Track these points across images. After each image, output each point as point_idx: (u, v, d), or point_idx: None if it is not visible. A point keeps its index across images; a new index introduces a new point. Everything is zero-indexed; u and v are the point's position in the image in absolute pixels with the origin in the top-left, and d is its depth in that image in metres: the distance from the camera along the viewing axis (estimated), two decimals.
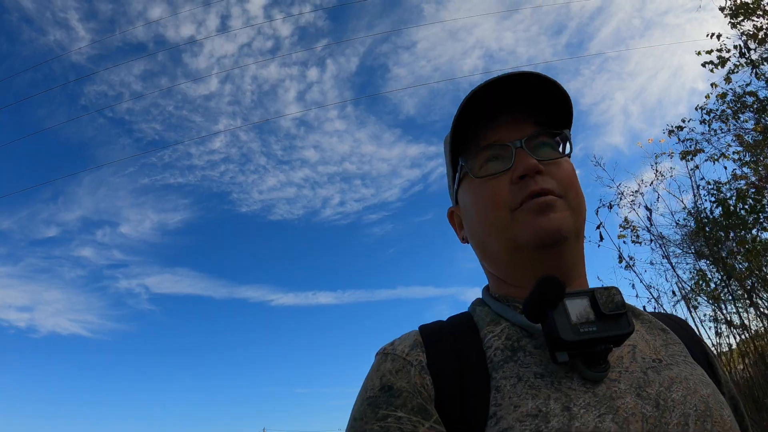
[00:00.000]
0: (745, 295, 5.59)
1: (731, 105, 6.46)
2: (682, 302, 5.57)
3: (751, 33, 6.47)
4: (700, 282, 5.77)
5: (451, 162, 0.74)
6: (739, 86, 6.47)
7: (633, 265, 5.81)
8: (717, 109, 6.45)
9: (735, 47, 6.50)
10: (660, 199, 5.87)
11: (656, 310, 0.74)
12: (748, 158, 6.44)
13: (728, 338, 5.72)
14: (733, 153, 6.43)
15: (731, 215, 5.36)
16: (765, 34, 6.17)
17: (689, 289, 5.83)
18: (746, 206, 5.43)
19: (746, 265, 5.53)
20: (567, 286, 0.57)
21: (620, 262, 5.53)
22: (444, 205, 0.85)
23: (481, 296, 0.73)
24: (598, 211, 5.78)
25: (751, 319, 5.74)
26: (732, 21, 6.50)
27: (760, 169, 6.29)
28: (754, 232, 5.45)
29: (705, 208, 5.83)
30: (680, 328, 0.74)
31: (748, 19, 6.40)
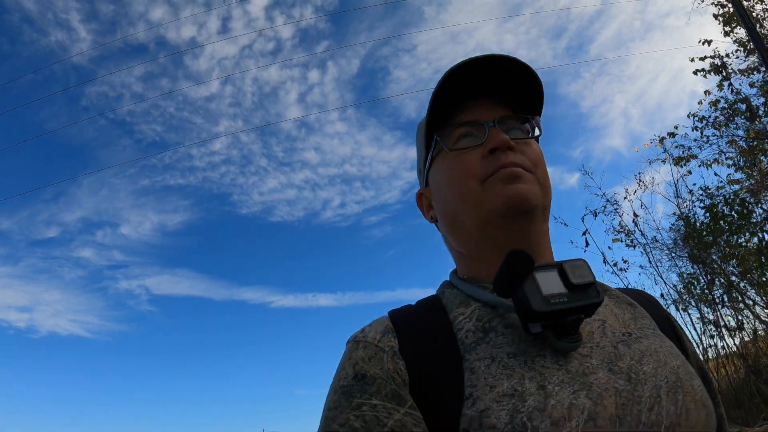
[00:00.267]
0: (724, 293, 5.74)
1: (724, 111, 6.58)
2: (672, 306, 5.71)
3: (744, 41, 6.60)
4: (689, 286, 5.90)
5: (425, 141, 0.75)
6: (732, 93, 6.59)
7: (627, 269, 5.97)
8: (709, 116, 6.57)
9: (727, 55, 6.62)
10: (643, 206, 6.09)
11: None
12: (742, 163, 6.55)
13: (714, 339, 5.85)
14: (727, 159, 6.55)
15: (718, 221, 5.50)
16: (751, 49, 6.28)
17: (677, 294, 5.97)
18: (733, 212, 5.56)
19: (737, 269, 5.65)
20: (535, 261, 0.57)
21: (605, 263, 5.80)
22: None
23: (449, 279, 0.74)
24: (584, 219, 6.01)
25: (738, 320, 5.87)
26: (725, 29, 6.61)
27: (754, 173, 6.40)
28: (747, 235, 5.59)
29: (694, 214, 5.98)
30: (647, 302, 0.75)
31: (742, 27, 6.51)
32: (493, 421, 0.50)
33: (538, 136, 0.74)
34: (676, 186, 6.08)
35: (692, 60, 6.79)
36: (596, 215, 6.01)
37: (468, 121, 0.70)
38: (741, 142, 6.45)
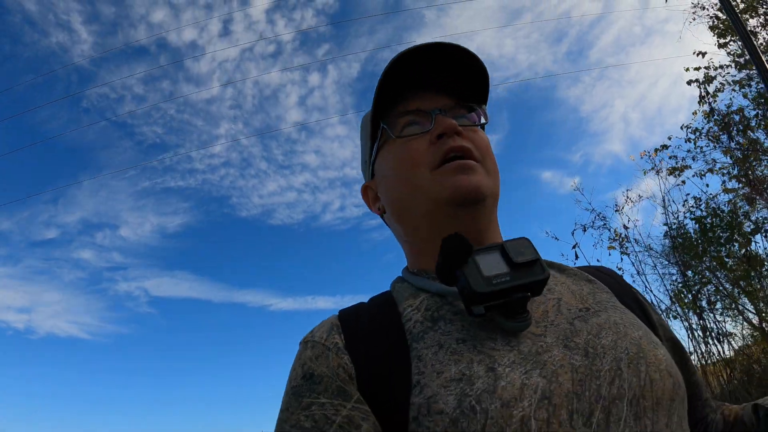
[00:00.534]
0: (716, 301, 5.86)
1: (718, 122, 6.69)
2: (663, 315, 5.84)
3: (737, 53, 6.72)
4: (680, 294, 6.03)
5: (371, 131, 0.73)
6: (725, 105, 6.71)
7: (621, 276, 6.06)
8: (703, 128, 6.69)
9: (721, 66, 6.74)
10: (631, 221, 6.30)
11: None
12: (736, 171, 6.66)
13: (702, 345, 5.96)
14: (721, 168, 6.66)
15: (707, 232, 5.62)
16: (746, 60, 6.40)
17: (669, 303, 6.11)
18: (722, 224, 5.68)
19: (729, 277, 5.76)
20: (473, 245, 0.57)
21: None
22: None
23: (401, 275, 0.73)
24: (574, 233, 6.22)
25: (721, 329, 6.00)
26: (719, 41, 6.73)
27: (750, 180, 6.51)
28: (735, 246, 5.72)
29: (685, 225, 6.12)
30: (607, 276, 0.74)
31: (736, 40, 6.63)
32: (441, 407, 0.49)
33: (484, 124, 0.73)
34: (664, 200, 6.23)
35: (687, 69, 6.92)
36: (585, 230, 6.18)
37: (414, 109, 0.69)
38: (736, 152, 6.57)
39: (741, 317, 6.24)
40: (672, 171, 6.53)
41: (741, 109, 6.65)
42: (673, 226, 6.16)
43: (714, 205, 6.11)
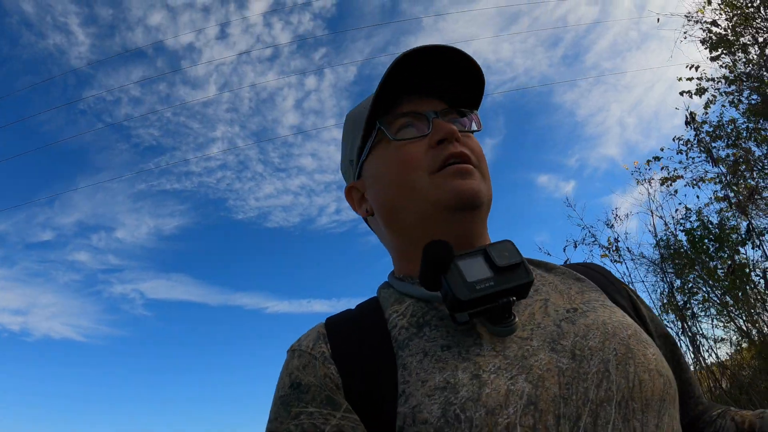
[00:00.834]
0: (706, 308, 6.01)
1: (710, 132, 6.82)
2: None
3: (729, 65, 6.85)
4: (668, 302, 6.17)
5: (364, 130, 0.70)
6: (717, 116, 6.85)
7: None
8: (694, 139, 6.81)
9: (712, 79, 6.87)
10: (618, 239, 6.47)
11: None
12: (728, 179, 6.79)
13: (698, 352, 6.09)
14: (715, 176, 6.78)
15: (696, 244, 5.74)
16: (737, 75, 6.54)
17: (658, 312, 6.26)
18: (711, 236, 5.81)
19: (719, 285, 5.90)
20: (454, 250, 0.56)
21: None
22: None
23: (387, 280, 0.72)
24: (565, 249, 6.37)
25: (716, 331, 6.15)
26: (711, 55, 6.85)
27: (741, 188, 6.64)
28: (724, 255, 5.86)
29: (676, 236, 6.27)
30: (597, 273, 0.73)
31: (727, 54, 6.76)
32: (425, 416, 0.49)
33: (476, 131, 0.72)
34: (652, 215, 6.39)
35: (680, 79, 7.04)
36: (576, 246, 6.30)
37: (410, 112, 0.68)
38: (729, 160, 6.69)
39: (733, 323, 6.38)
40: (664, 181, 6.67)
41: (733, 120, 6.79)
42: (663, 239, 6.31)
43: (704, 217, 6.25)
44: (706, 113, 6.86)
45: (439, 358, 0.54)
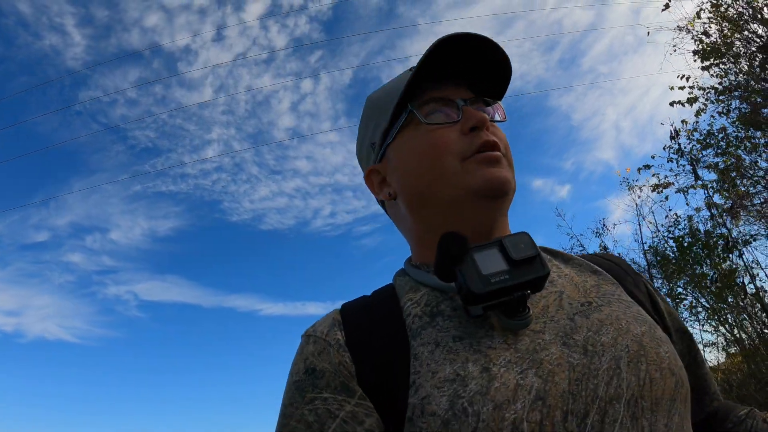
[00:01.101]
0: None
1: (701, 140, 6.93)
2: None
3: (720, 73, 6.96)
4: None
5: (393, 113, 0.69)
6: (707, 124, 6.96)
7: None
8: (684, 147, 6.92)
9: (702, 88, 6.98)
10: (604, 246, 6.57)
11: None
12: (718, 186, 6.89)
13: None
14: (702, 185, 6.89)
15: (684, 251, 5.85)
16: (726, 86, 6.65)
17: None
18: (698, 243, 5.91)
19: (708, 291, 6.01)
20: (469, 241, 0.56)
21: None
22: None
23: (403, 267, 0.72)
24: None
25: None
26: (702, 65, 6.95)
27: (732, 195, 6.75)
28: (709, 263, 5.98)
29: (665, 243, 6.38)
30: (615, 266, 0.71)
31: (718, 64, 6.86)
32: (433, 408, 0.49)
33: (501, 121, 0.72)
34: (639, 224, 6.50)
35: (672, 88, 7.15)
36: None
37: (439, 97, 0.68)
38: (719, 167, 6.80)
39: (723, 327, 6.48)
40: (655, 188, 6.78)
41: (724, 128, 6.90)
42: (652, 246, 6.43)
43: (694, 223, 6.36)
44: (697, 122, 6.97)
45: (450, 349, 0.54)
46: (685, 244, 6.03)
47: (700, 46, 7.05)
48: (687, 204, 6.63)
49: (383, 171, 0.74)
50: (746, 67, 6.79)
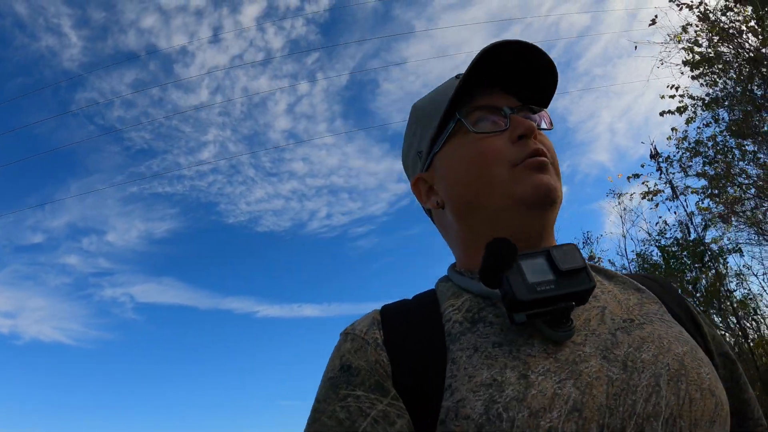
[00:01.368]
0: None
1: (690, 148, 7.04)
2: None
3: (710, 82, 7.06)
4: None
5: (440, 121, 0.69)
6: (697, 132, 7.07)
7: None
8: (674, 155, 7.03)
9: (693, 97, 7.09)
10: (594, 257, 6.68)
11: None
12: (709, 192, 7.00)
13: None
14: (693, 191, 7.00)
15: (669, 260, 5.95)
16: (712, 99, 6.76)
17: None
18: (685, 252, 6.02)
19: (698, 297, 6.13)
20: (518, 249, 0.55)
21: None
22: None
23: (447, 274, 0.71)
24: None
25: None
26: (693, 74, 7.05)
27: (723, 200, 6.86)
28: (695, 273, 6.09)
29: (651, 251, 6.49)
30: (658, 286, 0.71)
31: (707, 73, 6.97)
32: (468, 412, 0.49)
33: (548, 129, 0.72)
34: (624, 234, 6.61)
35: (662, 97, 7.24)
36: None
37: (486, 105, 0.68)
38: (709, 172, 6.92)
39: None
40: (645, 195, 6.90)
41: (713, 137, 7.01)
42: (639, 253, 6.54)
43: (683, 228, 6.47)
44: (686, 131, 7.08)
45: (489, 354, 0.54)
46: (671, 254, 6.14)
47: (690, 55, 7.15)
48: (675, 213, 6.74)
49: (430, 179, 0.74)
50: (735, 76, 6.89)
